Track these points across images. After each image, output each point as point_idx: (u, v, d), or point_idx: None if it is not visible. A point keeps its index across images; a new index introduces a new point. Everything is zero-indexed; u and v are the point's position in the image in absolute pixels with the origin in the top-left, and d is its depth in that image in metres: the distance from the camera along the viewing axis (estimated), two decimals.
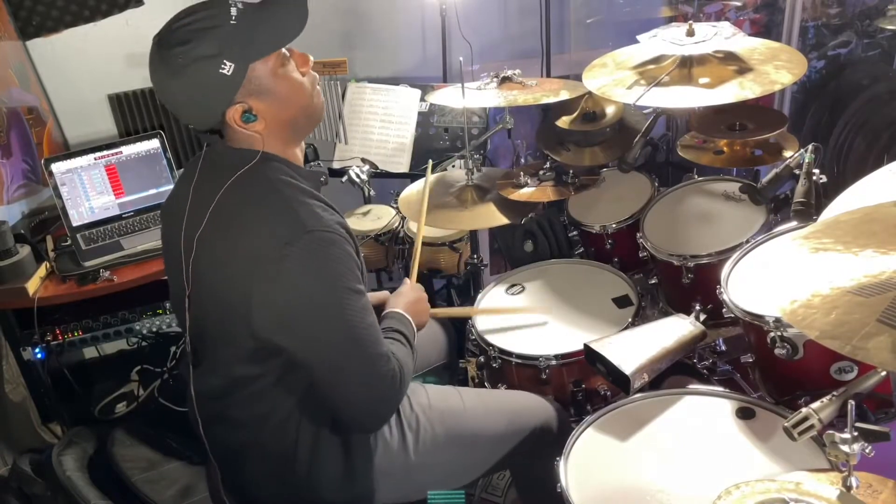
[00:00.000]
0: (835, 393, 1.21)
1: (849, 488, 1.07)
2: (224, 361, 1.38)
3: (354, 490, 1.45)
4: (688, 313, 1.77)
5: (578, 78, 2.12)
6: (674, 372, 1.82)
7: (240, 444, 1.43)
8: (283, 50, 1.31)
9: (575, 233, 2.31)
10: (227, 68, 1.23)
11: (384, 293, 1.75)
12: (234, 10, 1.25)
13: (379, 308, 1.71)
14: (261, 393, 1.37)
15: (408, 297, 1.64)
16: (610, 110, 2.32)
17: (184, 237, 1.35)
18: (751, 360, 1.62)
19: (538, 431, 1.62)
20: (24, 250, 2.20)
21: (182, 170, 1.68)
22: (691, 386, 1.57)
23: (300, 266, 1.23)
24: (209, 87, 1.24)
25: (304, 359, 1.30)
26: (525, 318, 1.91)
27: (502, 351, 1.81)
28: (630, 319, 1.82)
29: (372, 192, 2.54)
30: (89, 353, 2.70)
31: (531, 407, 1.67)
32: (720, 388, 1.55)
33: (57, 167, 2.35)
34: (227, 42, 1.23)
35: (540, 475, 1.59)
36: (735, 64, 1.89)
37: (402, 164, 2.72)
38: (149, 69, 1.28)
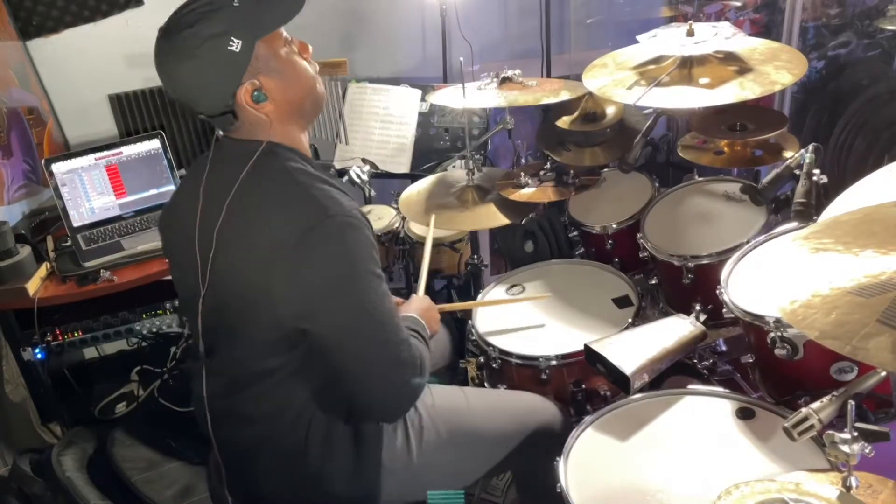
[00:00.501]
0: (835, 393, 1.21)
1: (849, 488, 1.07)
2: (239, 357, 1.38)
3: (362, 484, 1.45)
4: (688, 313, 1.76)
5: (578, 78, 2.12)
6: (674, 372, 1.82)
7: (251, 440, 1.44)
8: (285, 34, 1.34)
9: (575, 233, 2.30)
10: (236, 45, 1.25)
11: None
12: None
13: None
14: (274, 388, 1.38)
15: (420, 304, 1.66)
16: (610, 111, 2.32)
17: (199, 234, 1.35)
18: (751, 361, 1.62)
19: (541, 431, 1.62)
20: (25, 250, 2.20)
21: (184, 173, 1.68)
22: (691, 386, 1.57)
23: (324, 250, 1.24)
24: (219, 66, 1.26)
25: (328, 343, 1.30)
26: (524, 321, 1.91)
27: (502, 351, 1.81)
28: (630, 320, 1.82)
29: (372, 193, 2.54)
30: (89, 353, 2.70)
31: (535, 407, 1.67)
32: (720, 388, 1.55)
33: (57, 167, 2.35)
34: (233, 21, 1.25)
35: (541, 476, 1.59)
36: (735, 64, 1.89)
37: (403, 165, 2.72)
38: (155, 62, 1.29)
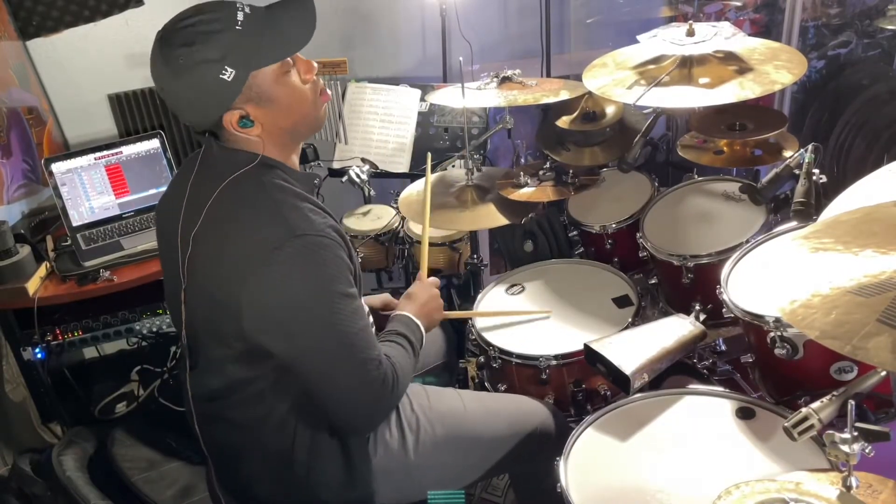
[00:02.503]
0: (835, 393, 1.21)
1: (849, 488, 1.07)
2: (218, 362, 1.38)
3: (354, 492, 1.44)
4: (688, 313, 1.77)
5: (578, 78, 2.12)
6: (674, 372, 1.82)
7: (237, 444, 1.43)
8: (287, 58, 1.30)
9: (575, 233, 2.30)
10: (228, 74, 1.23)
11: (384, 296, 1.76)
12: (240, 15, 1.24)
13: (380, 311, 1.71)
14: (257, 395, 1.37)
15: (420, 298, 1.63)
16: (610, 110, 2.32)
17: (180, 234, 1.35)
18: (751, 360, 1.62)
19: (537, 435, 1.62)
20: (24, 250, 2.20)
21: (179, 167, 1.68)
22: (691, 386, 1.57)
23: (289, 270, 1.23)
24: (208, 91, 1.24)
25: (292, 362, 1.30)
26: (524, 320, 1.91)
27: (502, 351, 1.81)
28: (630, 319, 1.82)
29: (372, 192, 2.54)
30: (89, 353, 2.70)
31: (531, 410, 1.67)
32: (720, 388, 1.55)
33: (57, 167, 2.35)
34: (231, 48, 1.22)
35: (537, 478, 1.58)
36: (735, 64, 1.89)
37: (402, 164, 2.72)
38: (150, 64, 1.28)
